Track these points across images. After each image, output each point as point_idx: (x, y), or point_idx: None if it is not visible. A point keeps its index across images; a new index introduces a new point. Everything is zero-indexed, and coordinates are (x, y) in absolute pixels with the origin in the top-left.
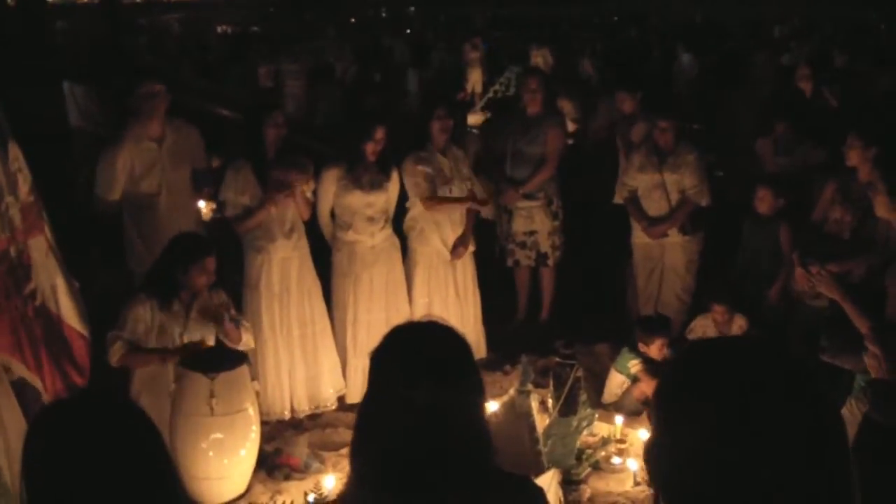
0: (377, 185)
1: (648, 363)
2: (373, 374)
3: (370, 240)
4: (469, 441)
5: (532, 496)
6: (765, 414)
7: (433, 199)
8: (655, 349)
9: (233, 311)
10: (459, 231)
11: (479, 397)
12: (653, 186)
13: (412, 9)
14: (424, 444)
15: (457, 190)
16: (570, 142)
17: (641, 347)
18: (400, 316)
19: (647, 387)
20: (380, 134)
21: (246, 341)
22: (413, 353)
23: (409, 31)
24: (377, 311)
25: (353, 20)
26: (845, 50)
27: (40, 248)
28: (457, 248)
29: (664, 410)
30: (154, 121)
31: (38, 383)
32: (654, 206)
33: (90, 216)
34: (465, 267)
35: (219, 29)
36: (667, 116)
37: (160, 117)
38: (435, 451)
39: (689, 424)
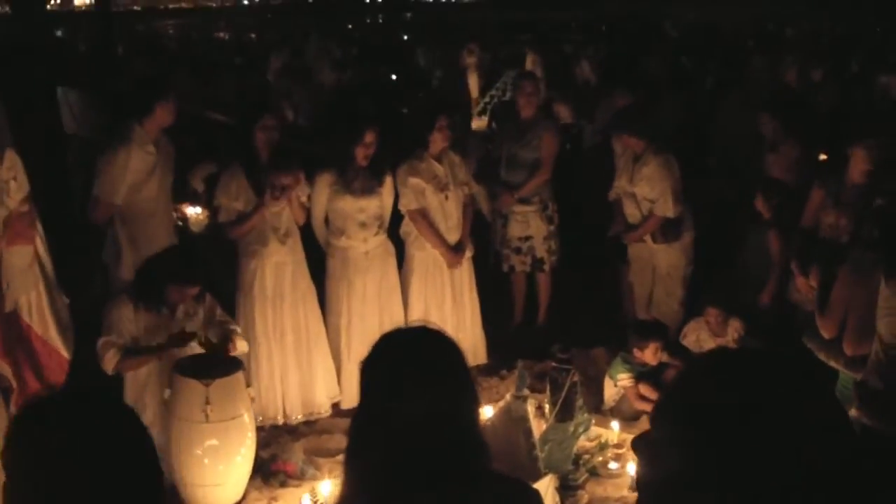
0: (369, 190)
1: (640, 374)
2: (363, 384)
3: (363, 245)
4: (463, 446)
5: (528, 499)
6: (748, 441)
7: (420, 218)
8: (650, 353)
9: (219, 312)
10: (457, 237)
11: (472, 402)
12: (625, 193)
13: (409, 15)
14: (417, 451)
15: (453, 196)
16: (567, 146)
17: (636, 353)
18: (394, 322)
19: (634, 402)
20: (370, 137)
21: (240, 348)
22: (402, 363)
23: (405, 37)
24: (371, 317)
25: (350, 26)
26: (824, 61)
27: (24, 258)
28: (452, 257)
29: (652, 430)
30: (160, 127)
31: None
32: (629, 212)
33: (86, 222)
34: (463, 272)
35: (216, 36)
36: (630, 132)
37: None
38: (428, 457)
39: (671, 447)
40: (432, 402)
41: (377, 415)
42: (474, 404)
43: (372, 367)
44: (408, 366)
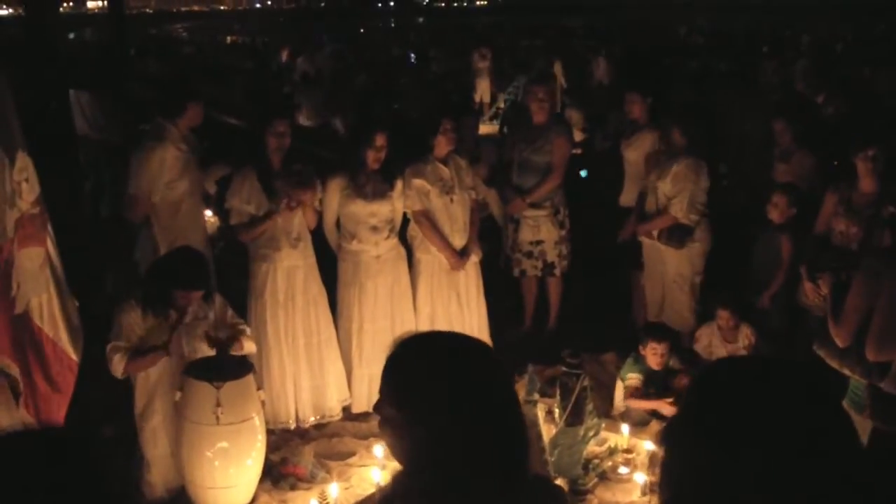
0: (380, 194)
1: (648, 378)
2: (409, 391)
3: (374, 249)
4: (513, 441)
5: (556, 498)
6: (770, 432)
7: (424, 220)
8: (650, 353)
9: (230, 313)
10: (463, 240)
11: (517, 404)
12: (652, 188)
13: (420, 20)
14: (467, 455)
15: (458, 199)
16: (578, 151)
17: (643, 352)
18: (405, 326)
19: (637, 404)
20: (380, 141)
21: (247, 348)
22: (457, 377)
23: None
24: (382, 321)
25: (362, 30)
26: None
27: (35, 260)
28: (454, 260)
29: (675, 428)
30: (189, 126)
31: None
32: (650, 208)
33: (111, 219)
34: (470, 276)
35: (228, 39)
36: (679, 126)
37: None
38: (478, 460)
39: (696, 440)
40: (489, 406)
41: (428, 422)
42: (517, 399)
43: (419, 379)
44: (468, 380)
